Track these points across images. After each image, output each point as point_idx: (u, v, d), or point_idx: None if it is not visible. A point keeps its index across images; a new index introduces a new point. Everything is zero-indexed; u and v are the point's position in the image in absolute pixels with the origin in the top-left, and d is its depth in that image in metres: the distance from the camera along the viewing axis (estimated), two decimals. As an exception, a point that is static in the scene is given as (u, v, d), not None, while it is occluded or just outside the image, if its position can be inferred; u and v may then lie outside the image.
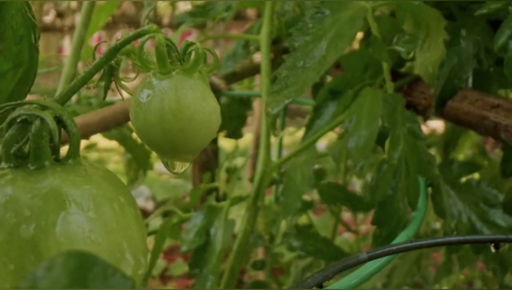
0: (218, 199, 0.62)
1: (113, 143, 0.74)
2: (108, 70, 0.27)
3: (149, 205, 2.18)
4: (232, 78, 0.80)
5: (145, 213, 1.86)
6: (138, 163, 0.78)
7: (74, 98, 0.65)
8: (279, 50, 0.72)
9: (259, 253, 1.11)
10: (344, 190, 0.77)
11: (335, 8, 0.49)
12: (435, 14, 0.47)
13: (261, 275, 1.02)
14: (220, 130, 0.36)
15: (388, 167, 0.44)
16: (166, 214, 0.67)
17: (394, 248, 0.30)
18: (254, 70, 0.83)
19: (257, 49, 0.73)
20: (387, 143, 0.44)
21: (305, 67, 0.45)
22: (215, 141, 1.02)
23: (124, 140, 0.73)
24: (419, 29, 0.48)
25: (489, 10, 0.44)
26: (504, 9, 0.44)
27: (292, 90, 0.44)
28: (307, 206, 0.74)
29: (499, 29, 0.43)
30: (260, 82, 0.80)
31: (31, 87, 0.28)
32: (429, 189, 0.48)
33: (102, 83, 0.27)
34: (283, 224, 0.65)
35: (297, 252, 0.69)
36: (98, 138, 0.78)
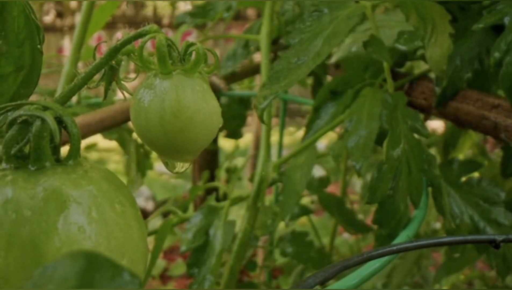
0: (218, 199, 0.62)
1: (113, 143, 0.74)
2: (109, 70, 0.27)
3: (149, 205, 2.18)
4: (232, 78, 0.80)
5: (145, 213, 1.86)
6: (137, 166, 0.77)
7: (74, 98, 0.65)
8: (279, 49, 0.72)
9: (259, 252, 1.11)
10: (343, 206, 0.77)
11: (334, 6, 0.49)
12: (439, 9, 0.47)
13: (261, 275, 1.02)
14: (220, 130, 0.36)
15: (387, 167, 0.43)
16: (166, 214, 0.67)
17: (394, 248, 0.30)
18: (254, 70, 0.83)
19: (257, 49, 0.73)
20: (385, 143, 0.44)
21: (298, 63, 0.45)
22: (215, 141, 1.02)
23: (124, 142, 0.73)
24: (424, 25, 0.48)
25: (485, 24, 0.44)
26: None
27: (283, 85, 0.43)
28: (307, 212, 0.74)
29: (496, 42, 0.43)
30: (260, 82, 0.80)
31: (34, 89, 0.28)
32: (429, 189, 0.47)
33: (103, 83, 0.27)
34: (281, 224, 0.65)
35: (290, 258, 0.69)
36: (98, 138, 0.78)
